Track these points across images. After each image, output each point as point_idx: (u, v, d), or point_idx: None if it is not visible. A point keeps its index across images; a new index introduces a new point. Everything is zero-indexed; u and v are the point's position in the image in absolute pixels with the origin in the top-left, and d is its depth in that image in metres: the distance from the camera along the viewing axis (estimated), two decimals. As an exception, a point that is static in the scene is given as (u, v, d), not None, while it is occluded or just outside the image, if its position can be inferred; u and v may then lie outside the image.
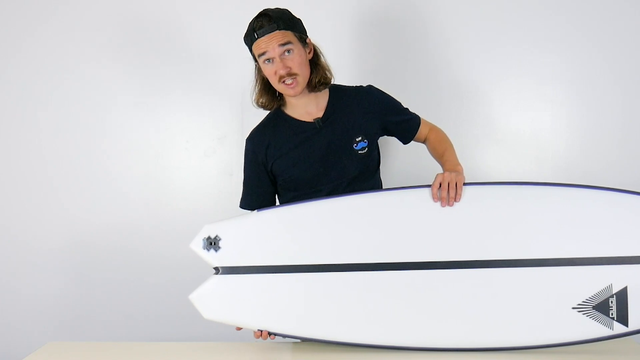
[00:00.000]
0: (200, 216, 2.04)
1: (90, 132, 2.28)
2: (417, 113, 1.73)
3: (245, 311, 1.47)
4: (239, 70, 2.14)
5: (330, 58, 1.64)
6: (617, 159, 2.13)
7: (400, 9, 2.18)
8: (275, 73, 1.52)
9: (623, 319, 1.41)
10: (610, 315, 1.41)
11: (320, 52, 1.62)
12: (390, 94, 1.70)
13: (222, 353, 1.55)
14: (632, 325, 1.42)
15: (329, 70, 1.62)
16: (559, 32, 2.15)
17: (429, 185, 1.48)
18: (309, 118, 1.63)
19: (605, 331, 1.42)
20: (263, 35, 1.50)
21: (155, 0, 2.25)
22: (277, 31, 1.50)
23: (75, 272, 2.29)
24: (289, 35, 1.52)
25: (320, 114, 1.63)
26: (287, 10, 1.56)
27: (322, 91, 1.64)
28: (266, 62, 1.53)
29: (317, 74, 1.59)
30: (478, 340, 1.44)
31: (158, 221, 2.26)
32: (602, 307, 1.41)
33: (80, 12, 2.26)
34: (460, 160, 1.58)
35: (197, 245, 1.48)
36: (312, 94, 1.62)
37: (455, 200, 1.45)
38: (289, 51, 1.51)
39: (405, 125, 1.71)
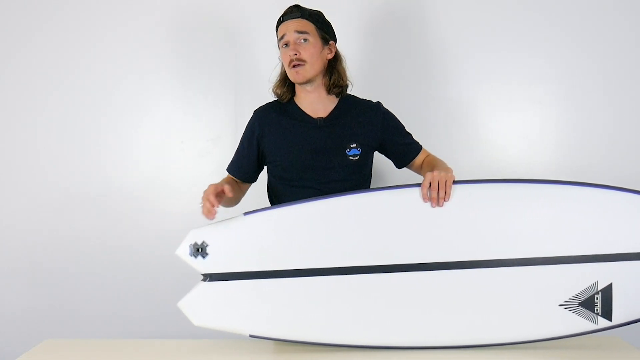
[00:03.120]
0: (195, 216, 2.03)
1: (85, 132, 2.29)
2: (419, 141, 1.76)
3: (235, 316, 1.45)
4: (234, 72, 2.21)
5: None
6: (604, 157, 2.18)
7: (389, 12, 2.19)
8: (287, 55, 1.61)
9: (607, 314, 1.45)
10: (595, 311, 1.45)
11: (343, 60, 1.70)
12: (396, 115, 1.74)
13: (217, 351, 1.54)
14: (616, 320, 1.46)
15: (346, 77, 1.68)
16: (547, 35, 2.17)
17: (418, 184, 1.46)
18: (313, 115, 1.67)
19: (590, 326, 1.45)
20: (286, 20, 1.63)
21: (151, 2, 2.24)
22: (300, 19, 1.62)
23: (72, 270, 2.30)
24: (309, 26, 1.62)
25: (324, 115, 1.67)
26: (319, 11, 1.67)
27: (332, 95, 1.69)
28: (284, 46, 1.63)
29: (333, 77, 1.66)
30: (468, 338, 1.46)
31: (153, 220, 2.27)
32: (587, 304, 1.45)
33: (77, 13, 2.26)
34: (450, 161, 1.57)
35: (184, 252, 1.44)
36: (324, 95, 1.68)
37: (444, 200, 1.44)
38: (305, 40, 1.61)
39: (405, 149, 1.73)
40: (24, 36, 2.27)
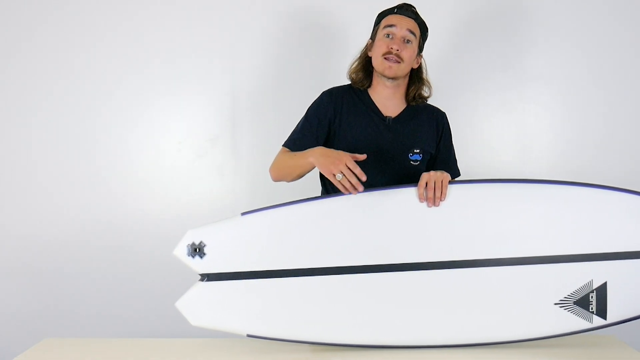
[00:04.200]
0: (192, 216, 2.08)
1: (83, 132, 2.29)
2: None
3: (233, 316, 1.45)
4: (231, 72, 2.22)
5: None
6: (597, 157, 2.20)
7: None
8: (388, 46, 1.60)
9: (602, 312, 1.46)
10: (590, 310, 1.46)
11: (426, 71, 1.72)
12: None
13: (214, 350, 1.54)
14: (611, 318, 1.47)
15: (430, 87, 1.71)
16: (542, 36, 2.19)
17: (413, 184, 1.47)
18: (384, 112, 1.67)
19: (585, 324, 1.47)
20: (401, 14, 1.63)
21: (148, 2, 2.24)
22: (414, 20, 1.64)
23: (70, 269, 2.30)
24: (417, 30, 1.65)
25: (393, 115, 1.67)
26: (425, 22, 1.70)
27: (404, 98, 1.70)
28: (387, 35, 1.62)
29: (417, 86, 1.68)
30: (463, 337, 1.47)
31: (151, 221, 2.28)
32: (582, 302, 1.46)
33: (74, 13, 2.25)
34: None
35: (181, 251, 1.44)
36: (399, 95, 1.69)
37: (440, 200, 1.45)
38: (409, 41, 1.62)
39: (445, 167, 1.68)
40: (21, 37, 2.27)
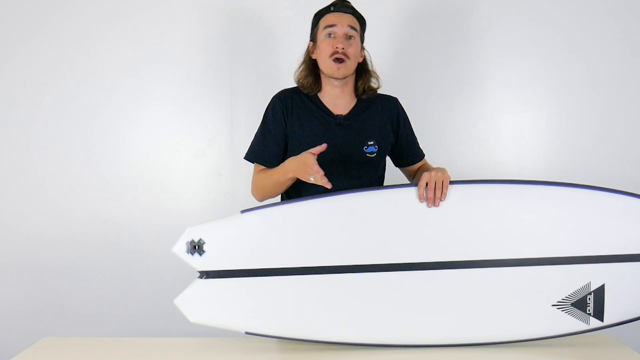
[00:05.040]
0: (191, 215, 2.07)
1: (83, 132, 2.29)
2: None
3: (231, 314, 1.45)
4: (229, 72, 2.22)
5: None
6: (594, 158, 2.21)
7: (381, 16, 2.19)
8: (332, 46, 1.57)
9: (599, 314, 1.47)
10: (588, 311, 1.46)
11: (371, 61, 1.69)
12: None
13: (213, 348, 1.54)
14: (608, 320, 1.48)
15: (377, 78, 1.69)
16: (537, 37, 2.20)
17: (413, 185, 1.48)
18: (334, 111, 1.66)
19: (582, 326, 1.47)
20: (338, 12, 1.61)
21: (147, 3, 2.25)
22: (352, 15, 1.62)
23: (69, 268, 2.30)
24: (357, 25, 1.62)
25: (344, 113, 1.66)
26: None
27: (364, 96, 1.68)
28: (328, 35, 1.60)
29: (364, 80, 1.66)
30: (462, 336, 1.48)
31: (150, 220, 2.28)
32: (580, 304, 1.46)
33: (73, 14, 2.26)
34: (443, 161, 1.58)
35: (181, 249, 1.44)
36: (347, 92, 1.67)
37: (440, 200, 1.45)
38: (351, 37, 1.60)
39: (410, 151, 1.73)
40: (21, 38, 2.26)
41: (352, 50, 1.59)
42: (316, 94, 1.67)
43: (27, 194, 2.29)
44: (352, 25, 1.60)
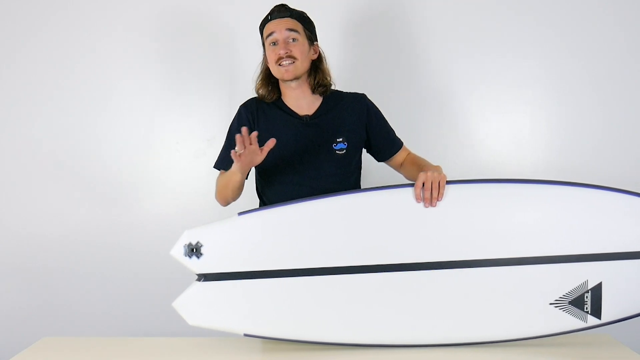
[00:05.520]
0: (190, 216, 2.07)
1: (82, 132, 2.29)
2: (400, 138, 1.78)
3: (230, 316, 1.46)
4: (228, 72, 2.23)
5: (331, 60, 1.71)
6: (593, 157, 2.21)
7: (377, 13, 2.19)
8: (276, 53, 1.61)
9: (597, 312, 1.47)
10: (585, 310, 1.47)
11: (325, 59, 1.72)
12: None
13: (211, 349, 1.55)
14: (605, 318, 1.48)
15: (330, 76, 1.71)
16: (536, 37, 2.20)
17: (410, 185, 1.48)
18: (299, 112, 1.68)
19: (579, 324, 1.48)
20: (275, 19, 1.64)
21: (146, 3, 2.25)
22: (289, 18, 1.63)
23: (68, 269, 2.31)
24: (298, 25, 1.64)
25: (311, 112, 1.68)
26: (304, 11, 1.68)
27: (317, 94, 1.70)
28: (272, 44, 1.63)
29: (318, 76, 1.68)
30: (461, 336, 1.48)
31: (149, 220, 2.29)
32: (577, 302, 1.47)
33: (72, 15, 2.26)
34: (441, 161, 1.57)
35: (178, 252, 1.45)
36: (308, 93, 1.70)
37: (437, 200, 1.45)
38: (294, 39, 1.62)
39: (387, 143, 1.75)
40: (21, 39, 2.27)
41: (297, 50, 1.61)
42: (280, 99, 1.70)
43: (26, 193, 2.30)
44: (292, 27, 1.62)
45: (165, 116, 2.28)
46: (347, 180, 1.69)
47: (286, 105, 1.69)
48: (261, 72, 1.72)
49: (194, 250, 1.45)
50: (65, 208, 2.29)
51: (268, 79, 1.70)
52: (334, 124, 1.67)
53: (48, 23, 2.26)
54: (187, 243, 1.45)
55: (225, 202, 1.69)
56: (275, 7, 1.66)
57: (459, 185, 1.48)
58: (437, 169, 1.53)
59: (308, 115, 1.68)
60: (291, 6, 1.67)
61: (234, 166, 1.53)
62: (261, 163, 1.62)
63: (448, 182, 1.47)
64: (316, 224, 1.47)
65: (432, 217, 1.46)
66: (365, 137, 1.72)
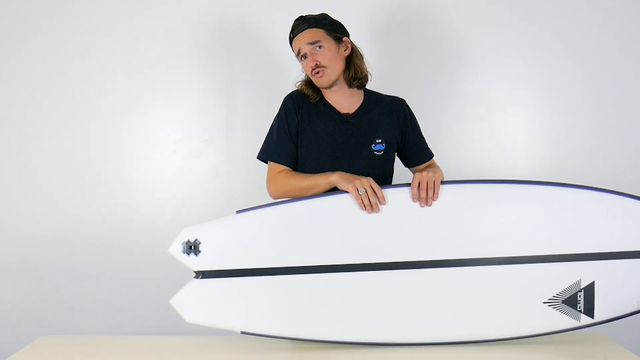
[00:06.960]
0: (187, 215, 2.07)
1: (80, 132, 2.30)
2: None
3: (227, 314, 1.47)
4: (226, 73, 2.23)
5: None
6: (586, 159, 2.23)
7: (378, 19, 2.22)
8: (308, 66, 1.67)
9: (590, 311, 1.49)
10: (578, 309, 1.48)
11: (359, 53, 1.72)
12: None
13: (209, 347, 1.56)
14: (598, 317, 1.50)
15: (363, 70, 1.71)
16: (531, 39, 2.22)
17: (407, 184, 1.50)
18: (341, 110, 1.71)
19: (572, 322, 1.49)
20: (296, 35, 1.67)
21: (145, 4, 2.26)
22: (307, 30, 1.66)
23: (66, 267, 2.31)
24: (318, 33, 1.66)
25: (351, 111, 1.70)
26: (324, 13, 1.71)
27: (358, 92, 1.73)
28: (302, 59, 1.68)
29: (351, 70, 1.69)
30: (455, 334, 1.50)
31: (147, 220, 2.30)
32: (571, 301, 1.48)
33: (71, 15, 2.28)
34: (437, 162, 1.59)
35: (177, 249, 1.46)
36: (348, 91, 1.72)
37: (433, 200, 1.47)
38: (319, 47, 1.65)
39: (419, 152, 1.76)
40: (20, 38, 2.28)
41: (324, 57, 1.64)
42: (323, 98, 1.72)
43: (24, 193, 2.30)
44: (312, 40, 1.64)
45: (162, 117, 2.30)
46: (381, 183, 1.64)
47: (328, 102, 1.71)
48: (305, 77, 1.74)
49: (192, 248, 1.46)
50: (62, 207, 2.30)
51: (311, 83, 1.72)
52: (373, 125, 1.69)
53: (47, 24, 2.28)
54: (186, 240, 1.46)
55: (281, 198, 1.65)
56: (294, 22, 1.68)
57: (454, 185, 1.50)
58: (435, 169, 1.54)
59: (349, 113, 1.70)
60: (316, 12, 1.69)
61: (342, 183, 1.51)
62: (301, 155, 1.67)
63: (443, 182, 1.49)
64: (313, 223, 1.48)
65: (427, 217, 1.48)
66: (400, 141, 1.73)
